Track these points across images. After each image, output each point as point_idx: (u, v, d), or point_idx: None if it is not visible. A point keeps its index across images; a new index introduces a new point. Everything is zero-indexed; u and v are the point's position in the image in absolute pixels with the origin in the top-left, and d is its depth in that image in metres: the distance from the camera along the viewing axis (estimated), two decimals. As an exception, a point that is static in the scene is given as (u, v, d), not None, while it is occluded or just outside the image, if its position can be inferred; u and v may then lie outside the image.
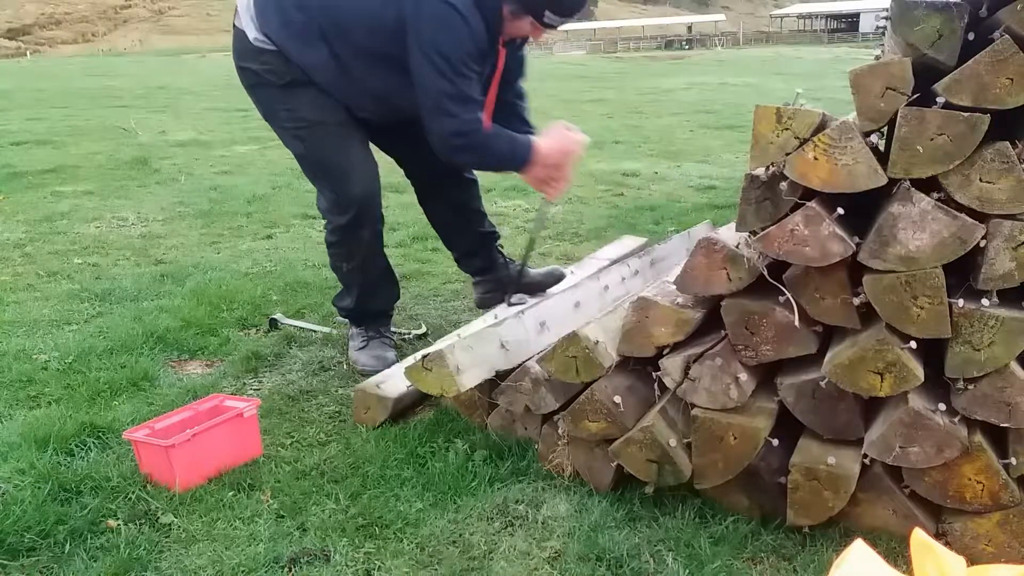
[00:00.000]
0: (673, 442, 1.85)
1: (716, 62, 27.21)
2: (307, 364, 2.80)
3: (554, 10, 2.41)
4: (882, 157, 1.63)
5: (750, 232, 1.74)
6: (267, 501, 1.97)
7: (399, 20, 2.36)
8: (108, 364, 2.73)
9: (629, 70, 24.29)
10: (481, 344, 2.15)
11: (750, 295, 1.76)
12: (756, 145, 1.69)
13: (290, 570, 1.72)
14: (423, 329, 3.07)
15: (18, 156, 7.39)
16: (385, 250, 2.85)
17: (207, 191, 5.83)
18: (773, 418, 1.80)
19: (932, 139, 1.55)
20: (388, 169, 2.88)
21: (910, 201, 1.58)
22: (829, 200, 1.65)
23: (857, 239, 1.64)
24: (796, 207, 1.65)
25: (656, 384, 1.94)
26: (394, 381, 2.41)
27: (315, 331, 3.07)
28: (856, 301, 1.67)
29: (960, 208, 1.58)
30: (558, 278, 3.04)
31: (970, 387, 1.64)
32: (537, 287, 2.99)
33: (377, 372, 2.54)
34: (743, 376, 1.77)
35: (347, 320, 2.91)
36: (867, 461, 1.73)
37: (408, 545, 1.80)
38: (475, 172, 2.92)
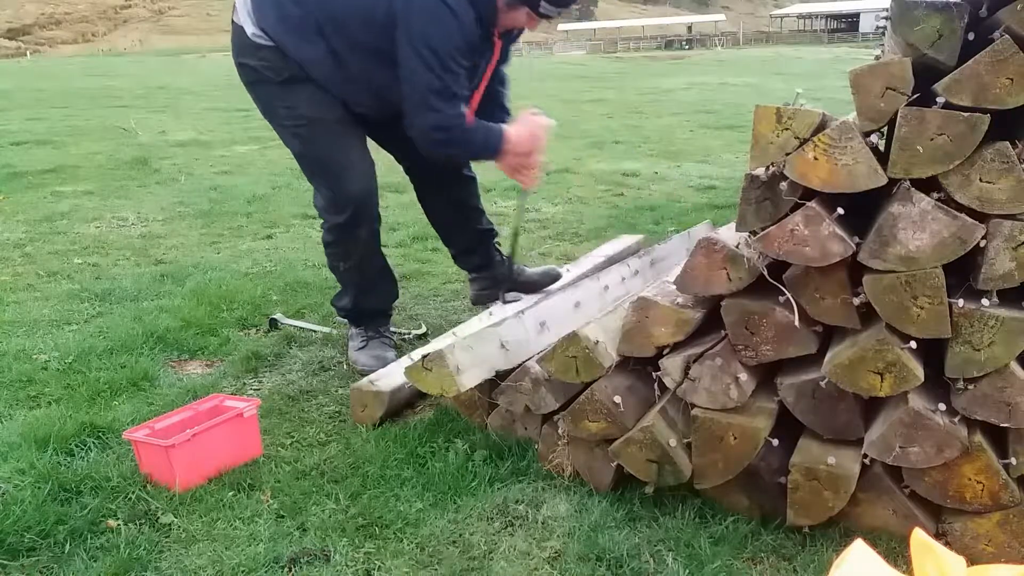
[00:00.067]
0: (673, 442, 1.85)
1: (716, 62, 27.22)
2: (307, 364, 2.80)
3: (550, 0, 2.42)
4: (882, 157, 1.63)
5: (750, 232, 1.74)
6: (267, 501, 1.97)
7: (389, 15, 2.36)
8: (108, 364, 2.73)
9: (629, 70, 24.29)
10: (481, 344, 2.15)
11: (750, 295, 1.76)
12: (756, 145, 1.69)
13: (290, 570, 1.72)
14: (423, 329, 3.07)
15: (18, 156, 7.39)
16: (385, 250, 2.85)
17: (207, 191, 5.83)
18: (773, 418, 1.80)
19: (932, 139, 1.55)
20: (388, 169, 2.88)
21: (910, 201, 1.58)
22: (829, 200, 1.65)
23: (857, 239, 1.64)
24: (796, 207, 1.65)
25: (656, 384, 1.94)
26: (389, 377, 2.43)
27: (315, 331, 3.07)
28: (856, 301, 1.67)
29: (960, 208, 1.58)
30: (554, 278, 3.05)
31: (970, 387, 1.64)
32: (532, 286, 3.00)
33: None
34: (743, 376, 1.77)
35: (346, 320, 2.91)
36: (867, 461, 1.73)
37: (408, 545, 1.80)
38: (474, 169, 2.92)
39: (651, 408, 1.93)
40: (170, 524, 1.88)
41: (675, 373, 1.84)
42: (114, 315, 3.24)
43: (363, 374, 2.62)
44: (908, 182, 1.59)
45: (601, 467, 1.97)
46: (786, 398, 1.78)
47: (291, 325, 3.11)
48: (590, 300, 2.57)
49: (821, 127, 1.64)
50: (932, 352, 1.70)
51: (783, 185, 1.66)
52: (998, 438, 1.70)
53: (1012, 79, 1.52)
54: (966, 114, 1.53)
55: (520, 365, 2.12)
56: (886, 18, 1.88)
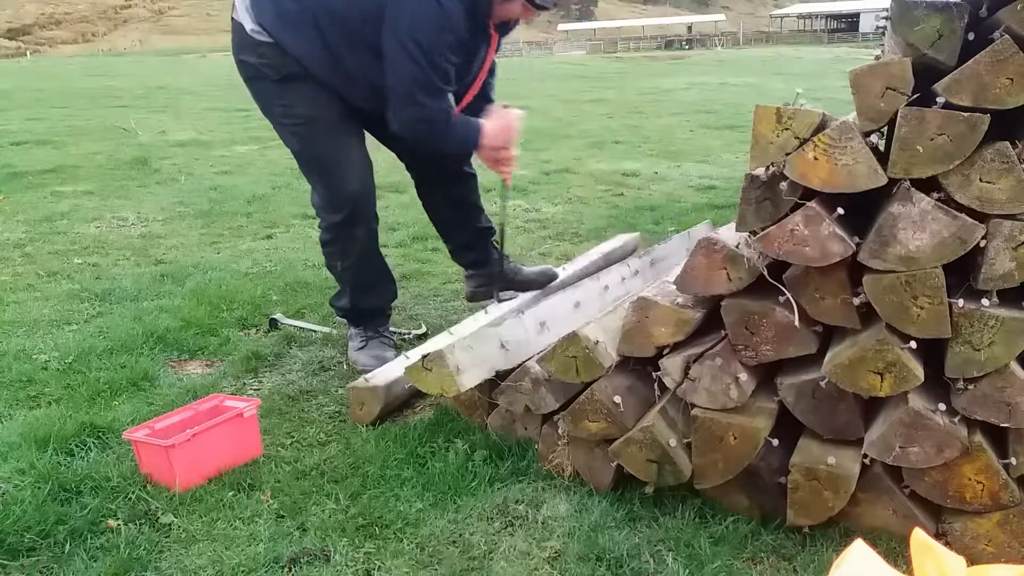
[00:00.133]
0: (673, 442, 1.85)
1: (716, 62, 27.22)
2: (307, 364, 2.80)
3: None
4: (882, 157, 1.63)
5: (750, 232, 1.74)
6: (267, 501, 1.97)
7: (380, 7, 2.36)
8: (108, 364, 2.73)
9: (629, 70, 24.30)
10: (481, 344, 2.15)
11: (750, 295, 1.76)
12: (756, 145, 1.69)
13: (290, 570, 1.72)
14: (423, 329, 3.07)
15: (18, 156, 7.39)
16: (385, 250, 2.85)
17: (207, 191, 5.83)
18: (773, 418, 1.80)
19: (932, 139, 1.55)
20: (387, 169, 2.88)
21: (910, 201, 1.58)
22: (829, 200, 1.65)
23: (857, 239, 1.64)
24: (796, 207, 1.65)
25: (656, 384, 1.94)
26: (383, 373, 2.43)
27: (315, 331, 3.07)
28: (856, 301, 1.67)
29: (960, 208, 1.58)
30: (551, 277, 3.05)
31: (970, 387, 1.64)
32: (529, 285, 3.00)
33: (377, 372, 2.55)
34: (743, 376, 1.77)
35: (345, 320, 2.91)
36: (867, 461, 1.73)
37: (408, 545, 1.80)
38: (474, 167, 2.92)
39: (651, 408, 1.93)
40: (170, 524, 1.88)
41: (675, 373, 1.84)
42: (114, 315, 3.24)
43: (363, 374, 2.62)
44: (908, 182, 1.59)
45: (601, 467, 1.97)
46: (786, 398, 1.78)
47: (291, 325, 3.11)
48: (590, 300, 2.57)
49: (821, 127, 1.64)
50: (932, 352, 1.70)
51: (783, 185, 1.66)
52: (998, 438, 1.70)
53: (1012, 79, 1.52)
54: (966, 114, 1.53)
55: (520, 365, 2.12)
56: (886, 18, 1.88)
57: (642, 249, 3.41)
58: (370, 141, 2.75)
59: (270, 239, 4.54)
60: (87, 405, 2.45)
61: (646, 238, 4.02)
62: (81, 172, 6.64)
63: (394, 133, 2.58)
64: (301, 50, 2.49)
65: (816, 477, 1.73)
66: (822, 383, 1.71)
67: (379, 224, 2.80)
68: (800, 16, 73.95)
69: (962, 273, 1.64)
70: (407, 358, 2.45)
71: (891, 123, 1.60)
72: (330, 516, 1.90)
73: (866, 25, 57.40)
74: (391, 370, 2.45)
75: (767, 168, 1.68)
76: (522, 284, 2.99)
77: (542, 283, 3.02)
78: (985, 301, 1.60)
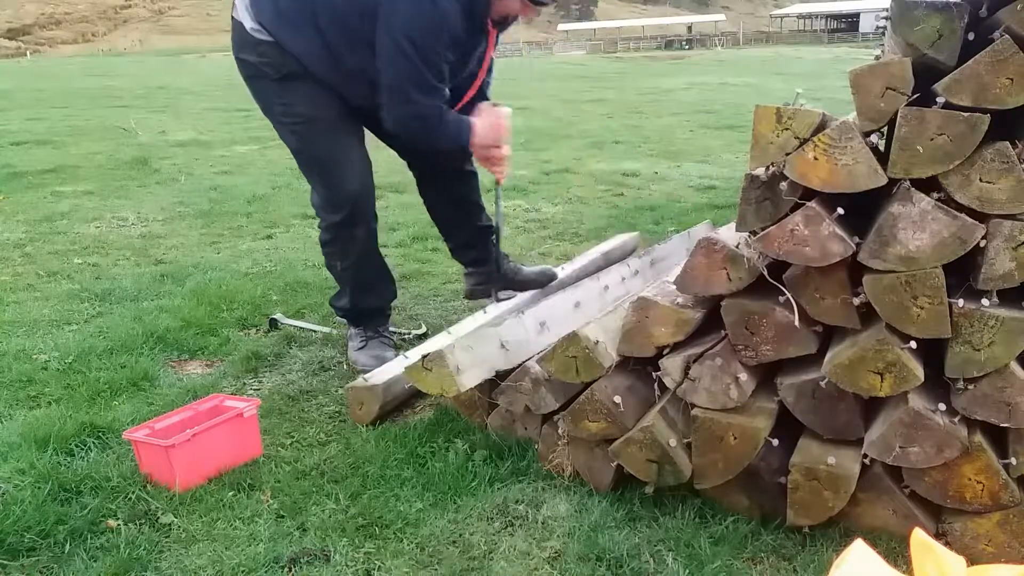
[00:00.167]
0: (673, 442, 1.85)
1: (716, 62, 27.23)
2: (307, 364, 2.80)
3: None
4: (882, 157, 1.63)
5: (750, 232, 1.74)
6: (267, 501, 1.97)
7: (377, 3, 2.36)
8: (108, 364, 2.73)
9: (629, 70, 24.30)
10: (481, 344, 2.15)
11: (750, 295, 1.76)
12: (756, 145, 1.69)
13: (290, 570, 1.72)
14: (423, 329, 3.07)
15: (18, 156, 7.40)
16: (385, 250, 2.85)
17: (207, 191, 5.83)
18: (773, 418, 1.80)
19: (932, 139, 1.55)
20: (388, 169, 2.89)
21: (910, 201, 1.58)
22: (829, 200, 1.65)
23: (857, 239, 1.64)
24: (796, 207, 1.65)
25: (656, 384, 1.94)
26: (382, 372, 2.44)
27: (315, 331, 3.07)
28: (856, 301, 1.67)
29: (960, 208, 1.58)
30: (550, 278, 3.05)
31: (970, 387, 1.64)
32: (528, 285, 3.00)
33: (377, 372, 2.55)
34: (743, 376, 1.77)
35: (345, 320, 2.91)
36: (867, 461, 1.73)
37: (408, 545, 1.80)
38: (475, 165, 2.93)
39: (651, 408, 1.93)
40: (170, 524, 1.88)
41: (675, 373, 1.84)
42: (114, 315, 3.24)
43: (363, 374, 2.62)
44: (908, 182, 1.59)
45: (601, 467, 1.97)
46: (786, 398, 1.78)
47: (291, 325, 3.11)
48: (590, 300, 2.57)
49: (821, 127, 1.64)
50: (932, 352, 1.70)
51: (783, 185, 1.66)
52: (998, 438, 1.70)
53: (1012, 79, 1.51)
54: (966, 114, 1.53)
55: (520, 365, 2.12)
56: (886, 18, 1.88)
57: (642, 249, 3.41)
58: (370, 140, 2.75)
59: (270, 239, 4.54)
60: (87, 405, 2.45)
61: (646, 238, 4.02)
62: (81, 172, 6.64)
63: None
64: (300, 48, 2.49)
65: (816, 477, 1.73)
66: (822, 383, 1.71)
67: (379, 224, 2.80)
68: (800, 16, 73.97)
69: (962, 273, 1.64)
70: (407, 358, 2.45)
71: (891, 123, 1.60)
72: (330, 516, 1.90)
73: (866, 25, 57.41)
74: (390, 370, 2.45)
75: (767, 168, 1.68)
76: (522, 284, 2.99)
77: (541, 283, 3.02)
78: (985, 301, 1.60)
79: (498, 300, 2.92)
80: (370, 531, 1.85)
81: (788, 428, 1.80)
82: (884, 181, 1.60)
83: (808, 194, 1.65)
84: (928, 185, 1.59)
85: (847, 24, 66.65)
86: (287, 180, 6.07)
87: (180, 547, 1.80)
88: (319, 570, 1.71)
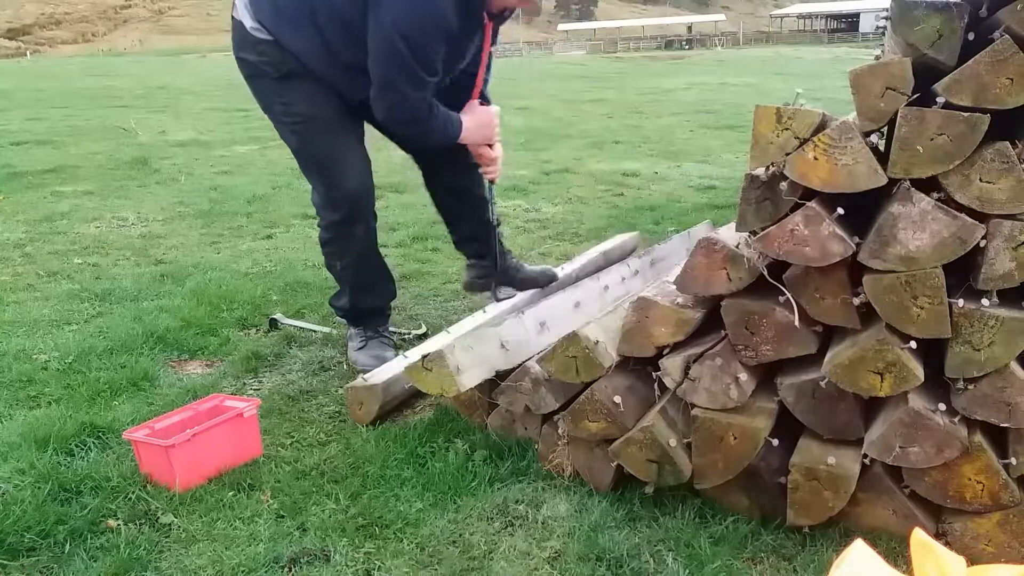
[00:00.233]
0: (673, 442, 1.85)
1: (716, 62, 27.23)
2: (307, 364, 2.80)
3: None
4: (882, 157, 1.63)
5: (750, 232, 1.74)
6: (267, 501, 1.97)
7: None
8: (108, 364, 2.73)
9: (629, 70, 24.30)
10: (481, 344, 2.15)
11: (750, 295, 1.76)
12: (756, 145, 1.69)
13: (290, 570, 1.72)
14: (423, 329, 3.07)
15: (18, 156, 7.40)
16: (385, 250, 2.85)
17: (207, 191, 5.83)
18: (773, 418, 1.80)
19: (932, 139, 1.55)
20: (388, 169, 2.89)
21: (910, 201, 1.58)
22: (829, 200, 1.65)
23: (857, 239, 1.64)
24: (796, 207, 1.65)
25: (656, 384, 1.94)
26: (381, 372, 2.44)
27: (315, 331, 3.07)
28: (856, 301, 1.67)
29: (960, 208, 1.58)
30: (551, 278, 3.05)
31: (970, 387, 1.64)
32: (529, 283, 3.00)
33: (377, 372, 2.55)
34: (743, 376, 1.77)
35: (345, 320, 2.91)
36: (867, 461, 1.73)
37: (408, 545, 1.80)
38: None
39: (651, 408, 1.93)
40: (170, 524, 1.88)
41: (675, 373, 1.84)
42: (114, 315, 3.24)
43: (362, 374, 2.62)
44: (908, 182, 1.59)
45: (601, 467, 1.97)
46: (786, 398, 1.78)
47: (291, 325, 3.11)
48: (590, 300, 2.57)
49: (821, 127, 1.64)
50: (932, 352, 1.70)
51: (783, 185, 1.66)
52: (998, 438, 1.70)
53: (1012, 79, 1.51)
54: (966, 114, 1.53)
55: (520, 365, 2.12)
56: (886, 18, 1.88)
57: (642, 249, 3.41)
58: (370, 141, 2.75)
59: (270, 239, 4.54)
60: (87, 405, 2.45)
61: (646, 238, 4.02)
62: (81, 172, 6.64)
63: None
64: (299, 46, 2.49)
65: (816, 477, 1.73)
66: (822, 383, 1.71)
67: (379, 224, 2.79)
68: (800, 16, 73.99)
69: (962, 273, 1.64)
70: (406, 358, 2.45)
71: (891, 123, 1.60)
72: (330, 516, 1.90)
73: (866, 25, 57.43)
74: (389, 369, 2.45)
75: (767, 168, 1.68)
76: (523, 282, 2.99)
77: (542, 283, 3.02)
78: (985, 301, 1.60)
79: (498, 300, 2.92)
80: (370, 531, 1.85)
81: (788, 428, 1.80)
82: (884, 181, 1.60)
83: (808, 194, 1.65)
84: (928, 185, 1.59)
85: (847, 24, 66.66)
86: (287, 180, 6.07)
87: (180, 547, 1.80)
88: (319, 570, 1.71)
